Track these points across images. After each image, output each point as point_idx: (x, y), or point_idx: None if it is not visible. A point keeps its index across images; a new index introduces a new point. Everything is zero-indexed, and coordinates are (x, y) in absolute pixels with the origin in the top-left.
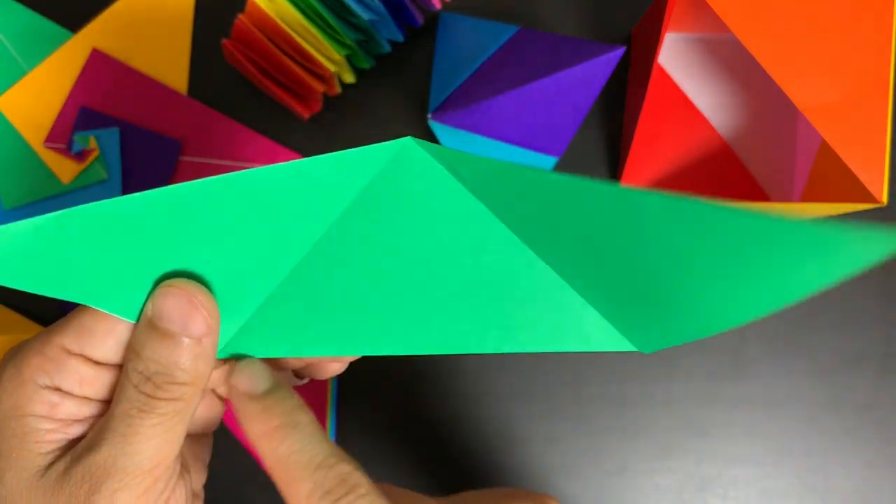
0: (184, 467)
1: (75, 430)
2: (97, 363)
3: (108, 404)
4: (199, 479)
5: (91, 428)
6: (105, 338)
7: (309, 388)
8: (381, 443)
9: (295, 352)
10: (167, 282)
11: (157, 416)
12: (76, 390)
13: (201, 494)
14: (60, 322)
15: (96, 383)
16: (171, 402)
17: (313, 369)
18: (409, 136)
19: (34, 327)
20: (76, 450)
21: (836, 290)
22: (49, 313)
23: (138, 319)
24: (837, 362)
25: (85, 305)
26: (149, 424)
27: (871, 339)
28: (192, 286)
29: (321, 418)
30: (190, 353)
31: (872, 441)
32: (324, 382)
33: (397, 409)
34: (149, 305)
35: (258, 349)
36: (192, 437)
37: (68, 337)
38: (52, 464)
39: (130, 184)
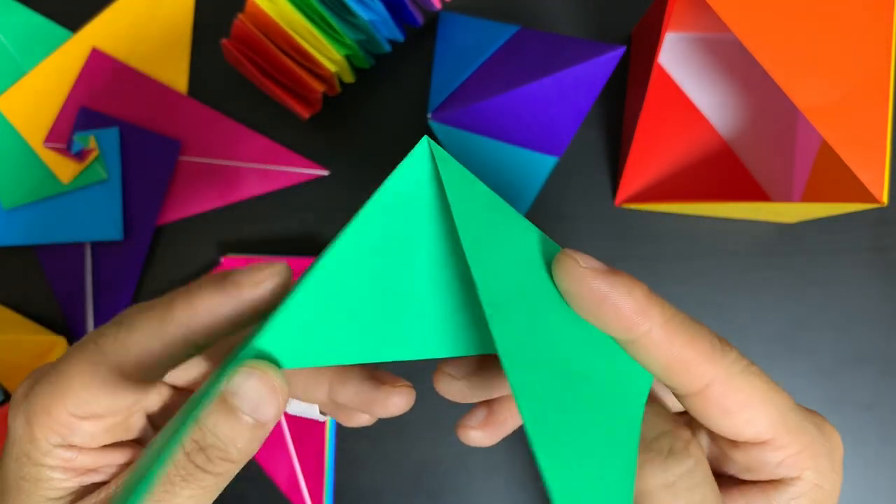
0: None
1: (92, 478)
2: (107, 416)
3: (120, 446)
4: None
5: (113, 477)
6: (110, 408)
7: None
8: (381, 442)
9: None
10: (251, 362)
11: (197, 488)
12: (90, 444)
13: None
14: (64, 375)
15: (107, 435)
16: (214, 477)
17: (343, 413)
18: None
19: (34, 327)
20: (100, 499)
21: (836, 290)
22: (48, 313)
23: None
24: (837, 362)
25: (75, 363)
26: (186, 494)
27: (871, 340)
28: (273, 371)
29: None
30: (251, 434)
31: (873, 441)
32: None
33: None
34: (225, 383)
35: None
36: None
37: (72, 400)
38: None
39: (130, 184)
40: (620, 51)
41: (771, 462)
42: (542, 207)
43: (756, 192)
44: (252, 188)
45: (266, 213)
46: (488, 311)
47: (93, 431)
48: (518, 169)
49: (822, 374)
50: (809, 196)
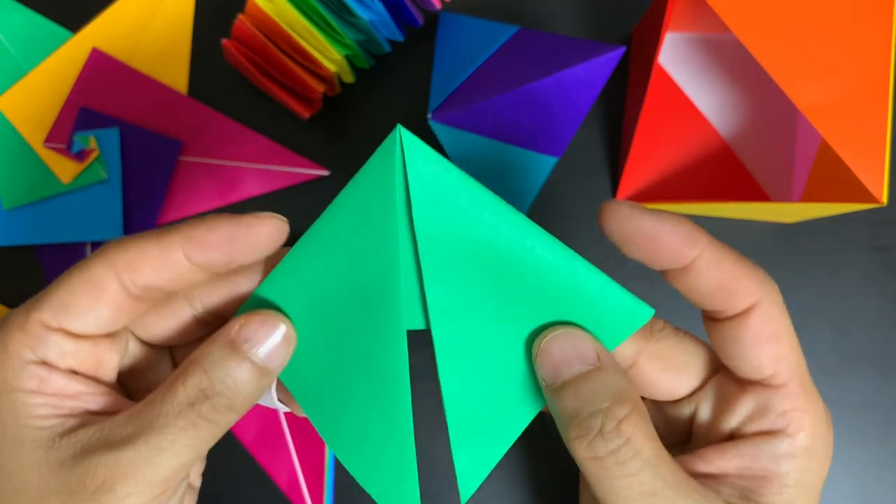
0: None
1: (66, 406)
2: (76, 336)
3: (94, 381)
4: (197, 469)
5: (86, 411)
6: (84, 314)
7: None
8: None
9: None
10: (265, 311)
11: (197, 438)
12: (60, 363)
13: (197, 484)
14: (39, 296)
15: (78, 356)
16: (215, 426)
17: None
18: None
19: None
20: (90, 437)
21: (835, 290)
22: None
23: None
24: (837, 362)
25: (61, 279)
26: (185, 443)
27: (871, 340)
28: (284, 320)
29: None
30: (258, 383)
31: (872, 442)
32: None
33: None
34: (235, 327)
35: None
36: None
37: (46, 312)
38: (53, 441)
39: (130, 184)
40: (620, 51)
41: (776, 409)
42: (542, 207)
43: (756, 192)
44: (252, 188)
45: None
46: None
47: (63, 348)
48: (518, 169)
49: (822, 373)
50: (809, 196)
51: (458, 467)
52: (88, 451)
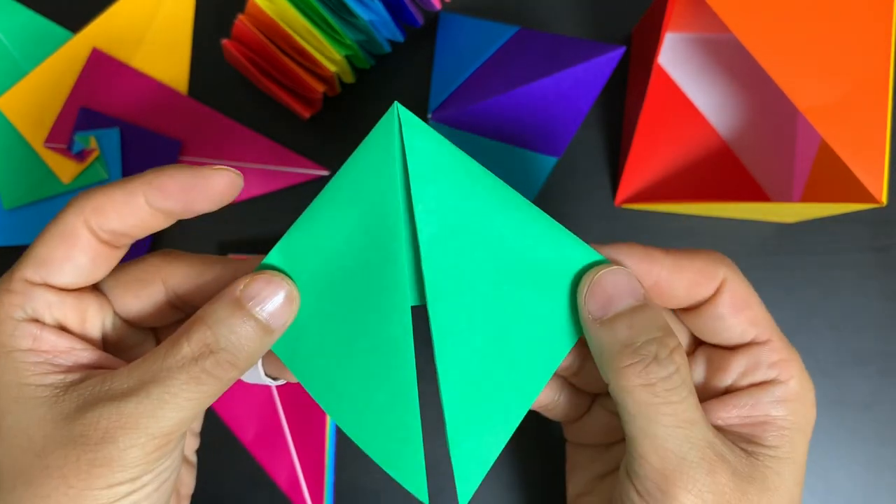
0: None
1: (62, 362)
2: (59, 290)
3: (82, 338)
4: (191, 445)
5: (81, 363)
6: (62, 265)
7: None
8: None
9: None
10: (270, 271)
11: (199, 392)
12: (48, 318)
13: (193, 460)
14: (20, 259)
15: (63, 309)
16: (218, 382)
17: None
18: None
19: None
20: (92, 390)
21: (835, 290)
22: None
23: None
24: (837, 362)
25: (38, 237)
26: (187, 397)
27: (871, 340)
28: (288, 280)
29: (320, 417)
30: (261, 340)
31: (872, 441)
32: None
33: None
34: (240, 286)
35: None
36: None
37: (28, 269)
38: (56, 397)
39: None
40: (620, 51)
41: (766, 361)
42: (542, 207)
43: (755, 193)
44: (253, 188)
45: (267, 213)
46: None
47: (49, 301)
48: (518, 169)
49: (822, 373)
50: (809, 196)
51: (456, 465)
52: (90, 404)
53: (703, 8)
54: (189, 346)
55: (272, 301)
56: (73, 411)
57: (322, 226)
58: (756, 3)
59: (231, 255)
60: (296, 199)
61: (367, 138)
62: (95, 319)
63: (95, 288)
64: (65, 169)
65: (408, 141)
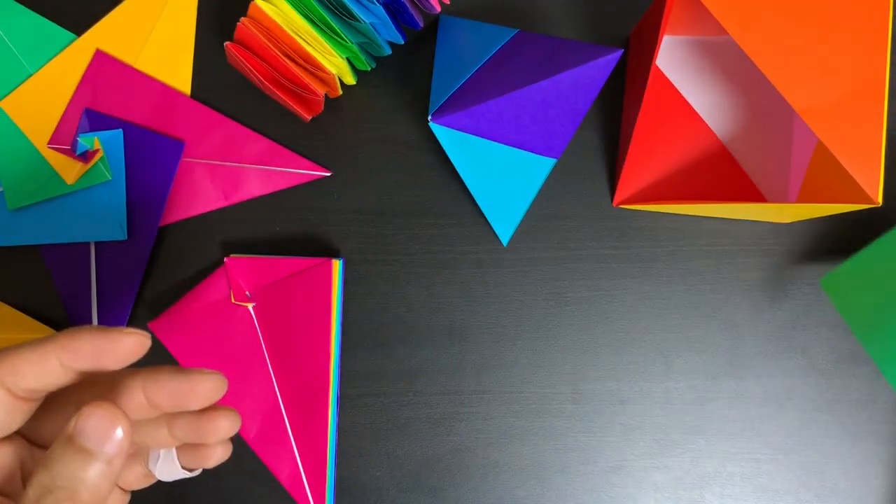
0: None
1: None
2: (17, 397)
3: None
4: None
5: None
6: (25, 376)
7: (309, 387)
8: (383, 439)
9: None
10: (94, 402)
11: None
12: None
13: None
14: None
15: (10, 415)
16: None
17: (198, 456)
18: None
19: (38, 326)
20: None
21: None
22: (53, 313)
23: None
24: (833, 360)
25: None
26: None
27: None
28: (116, 410)
29: (322, 415)
30: (97, 471)
31: (868, 438)
32: (325, 376)
33: (396, 405)
34: (72, 423)
35: None
36: None
37: None
38: None
39: (134, 184)
40: (618, 53)
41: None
42: (541, 208)
43: (752, 193)
44: (254, 189)
45: (268, 214)
46: None
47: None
48: (517, 170)
49: (818, 372)
50: (805, 197)
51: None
52: None
53: (701, 11)
54: (31, 489)
55: (106, 434)
56: None
57: None
58: (753, 5)
59: (231, 256)
60: (297, 200)
61: None
62: (7, 463)
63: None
64: (69, 170)
65: None
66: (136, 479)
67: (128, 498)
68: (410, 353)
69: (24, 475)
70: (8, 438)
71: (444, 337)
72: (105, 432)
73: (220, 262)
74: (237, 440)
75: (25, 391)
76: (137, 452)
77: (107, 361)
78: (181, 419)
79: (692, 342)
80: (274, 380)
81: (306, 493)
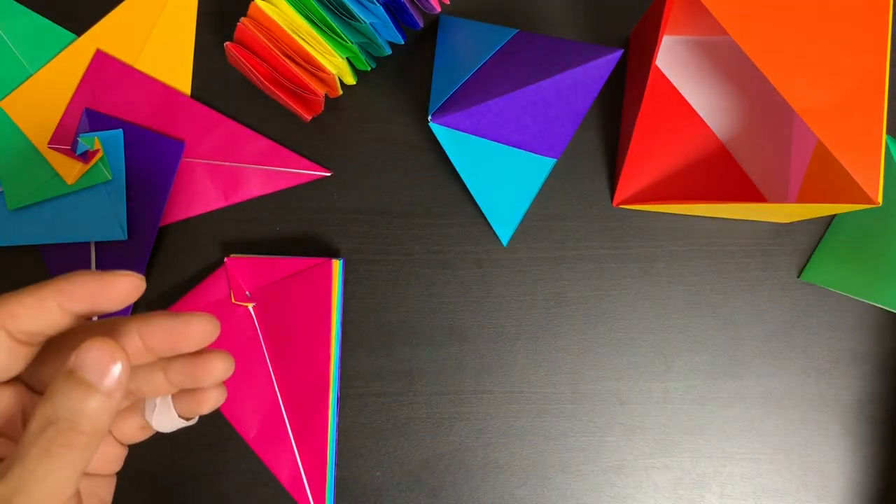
0: None
1: None
2: (16, 341)
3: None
4: (105, 490)
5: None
6: (23, 319)
7: (309, 387)
8: (383, 439)
9: None
10: (94, 338)
11: (56, 464)
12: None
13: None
14: None
15: (10, 358)
16: (69, 450)
17: (194, 402)
18: None
19: None
20: None
21: (830, 289)
22: None
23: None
24: (832, 360)
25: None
26: (44, 468)
27: (865, 339)
28: (115, 344)
29: (322, 415)
30: (98, 404)
31: (867, 438)
32: (325, 376)
33: (396, 405)
34: (73, 357)
35: None
36: (91, 477)
37: None
38: None
39: (134, 184)
40: (618, 54)
41: None
42: (541, 208)
43: (752, 193)
44: (255, 189)
45: (269, 214)
46: None
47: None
48: (517, 170)
49: (817, 372)
50: (805, 197)
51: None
52: None
53: (701, 11)
54: (35, 422)
55: (106, 367)
56: None
57: None
58: (753, 5)
59: (231, 256)
60: (297, 200)
61: None
62: (9, 403)
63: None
64: (69, 170)
65: None
66: (134, 432)
67: (125, 452)
68: (410, 353)
69: (25, 420)
70: (9, 383)
71: (444, 337)
72: (105, 365)
73: (220, 262)
74: (237, 440)
75: (25, 334)
76: (134, 404)
77: (103, 303)
78: (176, 363)
79: (692, 342)
80: (274, 380)
81: (306, 493)
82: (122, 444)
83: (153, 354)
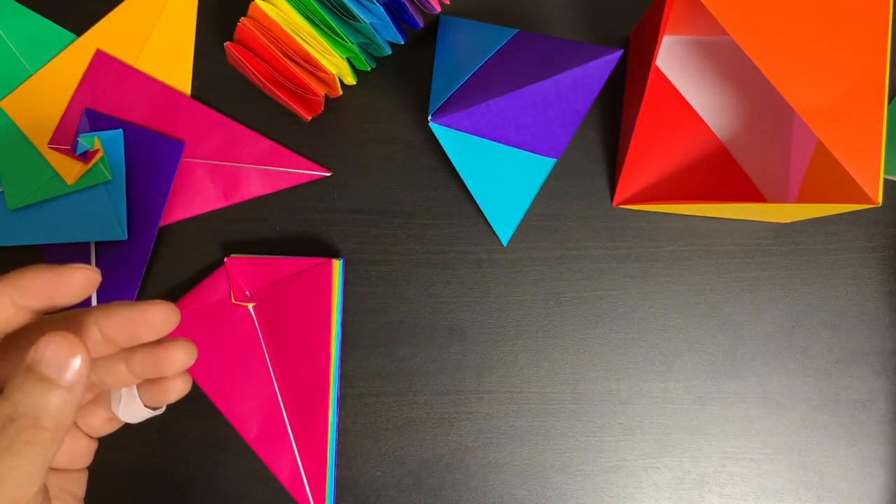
0: (47, 501)
1: None
2: None
3: None
4: (77, 486)
5: None
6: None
7: (309, 387)
8: (383, 439)
9: None
10: (52, 332)
11: (21, 461)
12: None
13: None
14: None
15: None
16: (31, 446)
17: (159, 392)
18: None
19: None
20: None
21: (831, 289)
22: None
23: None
24: (832, 360)
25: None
26: (7, 466)
27: (866, 338)
28: (73, 337)
29: (322, 415)
30: (58, 398)
31: (867, 438)
32: (325, 376)
33: (396, 405)
34: (31, 352)
35: None
36: (61, 473)
37: None
38: None
39: (134, 184)
40: (618, 54)
41: None
42: (541, 208)
43: (752, 193)
44: (255, 189)
45: (269, 214)
46: None
47: None
48: (517, 170)
49: (818, 372)
50: (805, 197)
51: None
52: None
53: (701, 11)
54: None
55: (65, 362)
56: None
57: None
58: (753, 6)
59: (231, 256)
60: (297, 200)
61: None
62: None
63: None
64: (69, 170)
65: None
66: (101, 425)
67: (94, 446)
68: (410, 353)
69: None
70: None
71: (444, 337)
72: (64, 359)
73: (220, 262)
74: (237, 440)
75: None
76: (100, 396)
77: (57, 297)
78: (137, 354)
79: (692, 342)
80: (274, 380)
81: (306, 493)
82: (90, 437)
83: (114, 345)
